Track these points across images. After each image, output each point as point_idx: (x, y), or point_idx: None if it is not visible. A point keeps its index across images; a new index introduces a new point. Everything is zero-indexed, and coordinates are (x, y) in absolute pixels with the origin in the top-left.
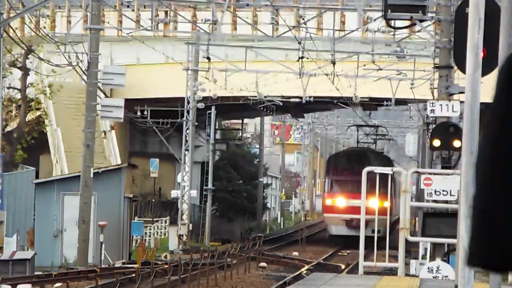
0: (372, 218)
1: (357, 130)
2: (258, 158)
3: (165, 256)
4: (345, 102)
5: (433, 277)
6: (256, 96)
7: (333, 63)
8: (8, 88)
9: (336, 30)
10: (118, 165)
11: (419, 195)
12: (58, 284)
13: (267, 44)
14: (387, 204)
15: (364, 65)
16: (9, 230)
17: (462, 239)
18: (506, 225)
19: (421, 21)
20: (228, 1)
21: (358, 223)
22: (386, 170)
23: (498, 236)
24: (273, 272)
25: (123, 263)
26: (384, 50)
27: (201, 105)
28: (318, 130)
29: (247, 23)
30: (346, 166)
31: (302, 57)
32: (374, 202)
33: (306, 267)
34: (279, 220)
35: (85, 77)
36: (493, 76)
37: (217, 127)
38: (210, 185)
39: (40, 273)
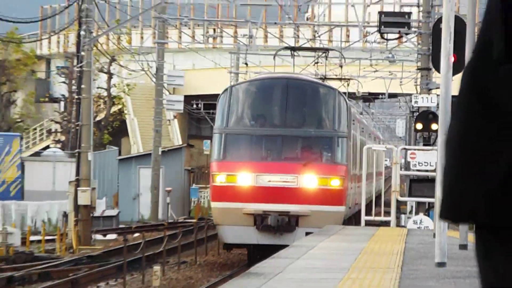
0: (302, 212)
1: (291, 54)
2: None
3: None
4: (350, 96)
5: (417, 227)
6: None
7: (341, 66)
8: (97, 88)
9: (342, 41)
10: (180, 145)
11: (406, 166)
12: (136, 234)
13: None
14: (336, 182)
15: (364, 68)
16: (100, 194)
17: (438, 198)
18: (463, 184)
19: (407, 34)
20: (261, 21)
21: (277, 222)
22: (380, 147)
23: (457, 194)
24: None
25: (184, 219)
26: (379, 56)
27: None
28: None
29: (275, 36)
30: (256, 109)
31: (317, 62)
32: (310, 180)
33: None
34: None
35: (154, 79)
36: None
37: None
38: None
39: (123, 226)
